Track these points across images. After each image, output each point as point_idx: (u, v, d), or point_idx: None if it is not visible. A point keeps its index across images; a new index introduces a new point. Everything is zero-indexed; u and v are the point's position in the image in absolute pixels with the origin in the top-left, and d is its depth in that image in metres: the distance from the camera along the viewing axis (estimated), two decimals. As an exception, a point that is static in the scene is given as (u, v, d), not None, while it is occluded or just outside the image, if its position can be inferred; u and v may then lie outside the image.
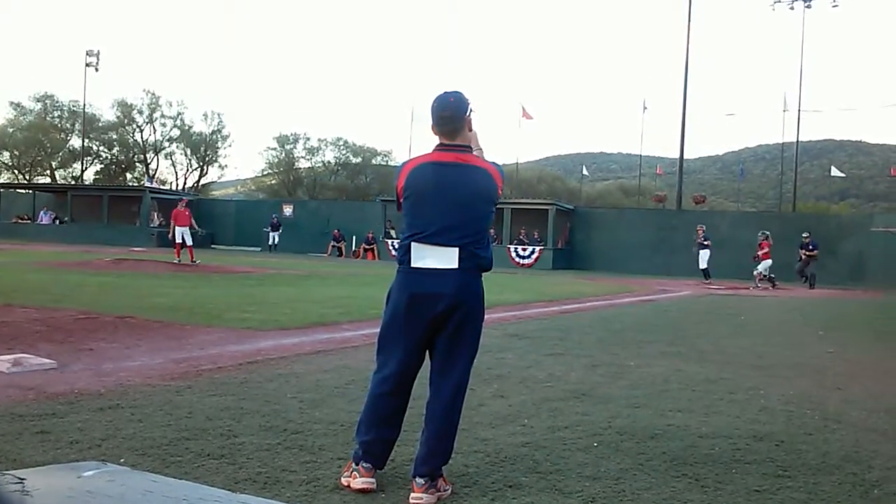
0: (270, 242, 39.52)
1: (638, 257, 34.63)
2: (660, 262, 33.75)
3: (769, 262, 25.39)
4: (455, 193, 3.55)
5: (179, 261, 21.88)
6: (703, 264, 27.61)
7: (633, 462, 4.11)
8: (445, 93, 3.67)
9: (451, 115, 3.61)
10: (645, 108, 51.60)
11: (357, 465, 3.54)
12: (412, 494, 3.40)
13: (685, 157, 42.64)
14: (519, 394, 5.80)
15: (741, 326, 12.20)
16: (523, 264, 34.44)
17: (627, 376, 6.79)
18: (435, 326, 3.55)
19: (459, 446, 4.13)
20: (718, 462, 4.19)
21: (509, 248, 35.22)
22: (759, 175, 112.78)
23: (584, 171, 59.05)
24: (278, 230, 39.83)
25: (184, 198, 29.38)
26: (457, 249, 3.53)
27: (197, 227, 24.13)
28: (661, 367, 7.34)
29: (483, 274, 3.70)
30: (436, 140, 3.69)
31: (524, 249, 35.22)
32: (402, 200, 3.63)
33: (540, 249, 34.99)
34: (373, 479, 3.50)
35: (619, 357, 7.90)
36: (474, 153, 3.72)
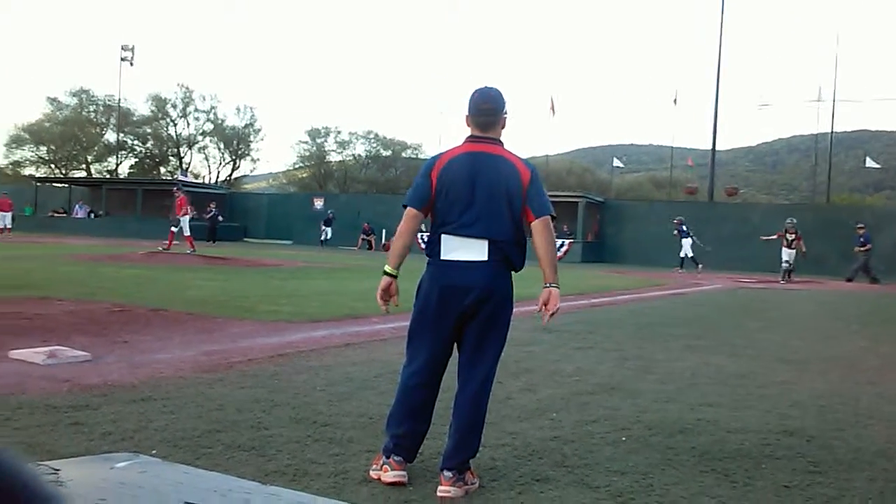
0: (323, 238, 39.55)
1: (669, 250, 34.26)
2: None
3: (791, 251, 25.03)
4: (484, 182, 3.56)
5: (194, 251, 21.99)
6: (684, 253, 28.19)
7: (662, 457, 4.10)
8: (487, 86, 3.71)
9: (491, 107, 3.65)
10: (675, 100, 50.90)
11: (388, 458, 3.55)
12: (440, 487, 3.42)
13: (717, 148, 42.19)
14: (547, 387, 5.80)
15: (772, 320, 12.08)
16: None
17: (656, 370, 6.77)
18: (463, 319, 3.56)
19: (487, 439, 4.14)
20: (748, 457, 4.16)
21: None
22: (793, 166, 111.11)
23: (617, 163, 58.52)
24: (331, 225, 39.92)
25: (175, 186, 28.79)
26: (486, 242, 3.54)
27: (180, 218, 23.80)
28: (691, 361, 7.30)
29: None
30: (466, 132, 3.72)
31: (554, 242, 35.09)
32: (433, 193, 3.61)
33: (569, 242, 34.86)
34: (404, 472, 3.52)
35: (648, 351, 7.87)
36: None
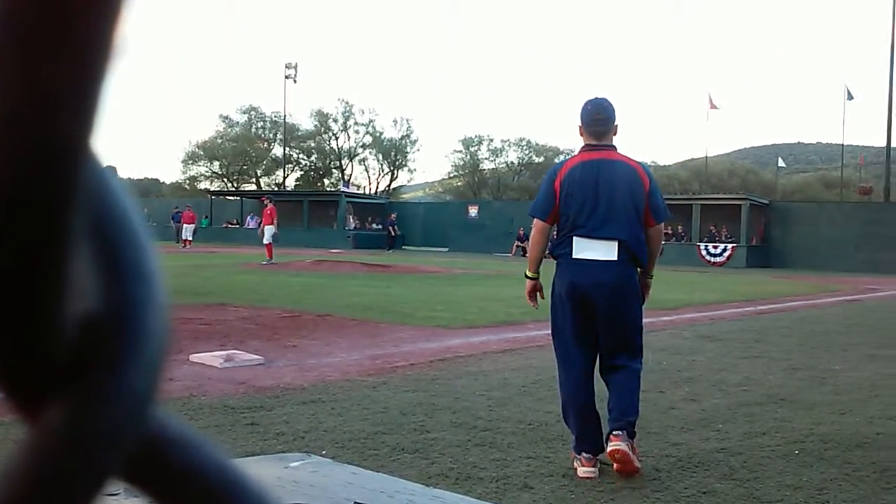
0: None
1: (841, 254, 32.41)
2: (866, 259, 31.43)
3: None
4: (607, 187, 3.86)
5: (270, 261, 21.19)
6: None
7: (839, 472, 3.88)
8: (598, 98, 4.05)
9: (605, 117, 3.98)
10: (849, 96, 47.81)
11: (578, 454, 3.80)
12: (612, 443, 3.67)
13: (893, 145, 39.38)
14: (712, 397, 5.61)
15: (964, 328, 11.13)
16: (714, 262, 33.14)
17: (831, 381, 6.40)
18: (598, 315, 3.84)
19: (649, 450, 4.09)
20: (937, 476, 3.87)
21: (699, 245, 33.97)
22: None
23: (781, 163, 55.79)
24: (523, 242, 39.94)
25: (266, 196, 28.21)
26: (616, 242, 3.82)
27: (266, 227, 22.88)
28: (869, 372, 6.85)
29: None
30: (580, 142, 4.06)
31: (715, 247, 33.87)
32: (557, 201, 3.91)
33: (732, 247, 33.52)
34: (594, 469, 3.74)
35: (821, 360, 7.45)
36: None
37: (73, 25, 0.21)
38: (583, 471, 3.74)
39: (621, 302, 3.84)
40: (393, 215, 42.26)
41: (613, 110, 4.01)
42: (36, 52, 0.21)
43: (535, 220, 4.00)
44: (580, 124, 4.00)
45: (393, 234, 40.35)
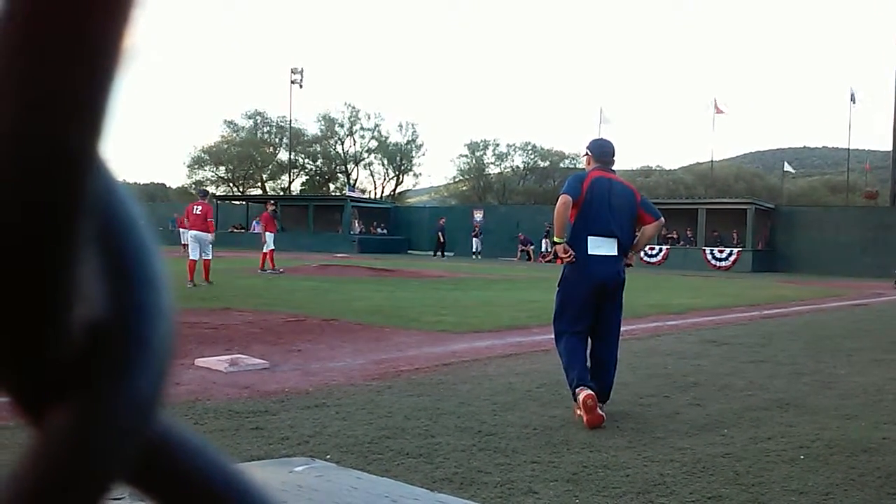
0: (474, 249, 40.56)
1: (847, 259, 32.29)
2: (872, 263, 31.27)
3: None
4: (616, 199, 5.14)
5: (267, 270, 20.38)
6: None
7: (844, 477, 3.87)
8: (605, 139, 5.59)
9: (613, 152, 5.43)
10: (854, 100, 47.65)
11: (576, 398, 4.77)
12: (583, 392, 4.70)
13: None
14: (717, 402, 5.60)
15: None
16: (720, 267, 33.07)
17: (837, 386, 6.38)
18: (602, 297, 5.05)
19: (655, 455, 4.09)
20: (943, 481, 3.85)
21: (704, 250, 33.89)
22: None
23: (787, 167, 55.58)
24: (479, 237, 40.79)
25: (270, 202, 26.29)
26: (615, 240, 5.07)
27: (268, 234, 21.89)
28: (875, 377, 6.83)
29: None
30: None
31: (720, 251, 33.80)
32: (583, 194, 5.06)
33: (738, 251, 33.43)
34: (591, 391, 4.73)
35: (827, 365, 7.43)
36: None
37: (83, 30, 0.21)
38: (582, 397, 4.67)
39: (618, 286, 5.12)
40: (442, 220, 41.83)
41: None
42: (46, 57, 0.21)
43: (564, 195, 5.04)
44: (590, 154, 5.36)
45: (442, 239, 40.25)
